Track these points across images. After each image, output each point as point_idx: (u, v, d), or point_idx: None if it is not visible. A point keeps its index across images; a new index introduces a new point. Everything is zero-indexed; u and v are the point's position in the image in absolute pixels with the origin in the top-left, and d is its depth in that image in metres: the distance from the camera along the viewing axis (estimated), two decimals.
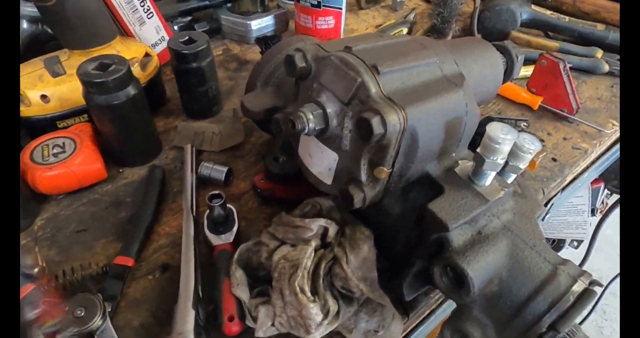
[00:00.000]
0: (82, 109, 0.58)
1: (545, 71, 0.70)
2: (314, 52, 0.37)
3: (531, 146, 0.39)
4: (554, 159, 0.64)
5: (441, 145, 0.37)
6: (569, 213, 1.36)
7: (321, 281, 0.40)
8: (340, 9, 0.79)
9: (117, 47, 0.60)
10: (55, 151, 0.54)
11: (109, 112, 0.52)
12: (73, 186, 0.54)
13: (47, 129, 0.58)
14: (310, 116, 0.35)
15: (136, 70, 0.61)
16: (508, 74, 0.54)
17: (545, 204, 0.65)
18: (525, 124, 0.70)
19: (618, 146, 0.73)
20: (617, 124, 0.70)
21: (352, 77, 0.34)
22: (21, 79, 0.56)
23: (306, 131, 0.35)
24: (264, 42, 0.76)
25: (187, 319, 0.40)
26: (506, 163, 0.41)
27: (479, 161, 0.36)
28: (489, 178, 0.38)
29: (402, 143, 0.34)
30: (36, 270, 0.45)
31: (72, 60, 0.58)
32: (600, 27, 0.84)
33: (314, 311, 0.38)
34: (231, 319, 0.42)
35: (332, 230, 0.42)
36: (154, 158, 0.61)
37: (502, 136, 0.34)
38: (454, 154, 0.40)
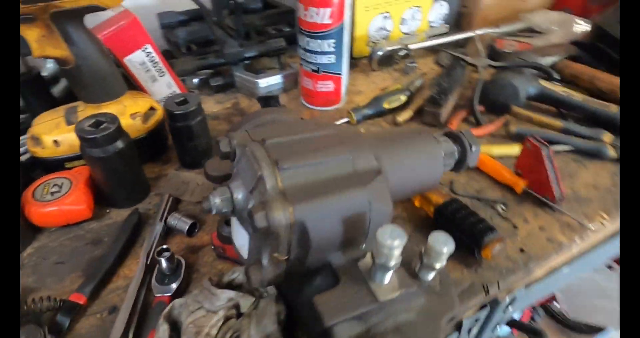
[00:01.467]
0: None
1: (530, 154, 0.68)
2: (241, 139, 0.42)
3: (444, 248, 0.40)
4: (522, 250, 0.61)
5: (341, 238, 0.39)
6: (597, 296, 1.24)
7: None
8: (340, 74, 0.83)
9: (125, 102, 0.69)
10: (53, 190, 0.62)
11: (99, 163, 0.60)
12: (61, 222, 0.62)
13: (57, 168, 0.67)
14: (217, 200, 0.39)
15: (137, 122, 0.69)
16: (460, 164, 0.54)
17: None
18: (503, 207, 0.68)
19: (610, 242, 0.68)
20: (607, 217, 0.65)
21: (255, 170, 0.37)
22: (42, 125, 0.67)
23: (213, 212, 0.39)
24: (264, 100, 0.83)
25: None
26: (423, 261, 0.42)
27: (373, 262, 0.37)
28: (387, 276, 0.39)
29: (294, 234, 0.37)
30: None
31: (86, 111, 0.68)
32: (613, 108, 0.80)
33: None
34: None
35: (244, 302, 0.44)
36: (139, 202, 0.68)
37: (390, 242, 0.35)
38: (363, 246, 0.42)
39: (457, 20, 1.15)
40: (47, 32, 0.58)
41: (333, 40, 0.77)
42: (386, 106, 0.85)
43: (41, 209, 0.60)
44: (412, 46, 1.01)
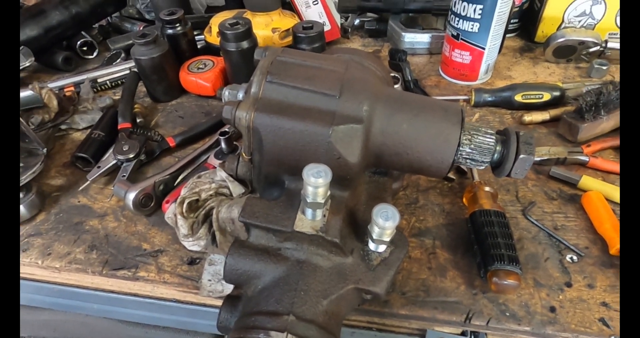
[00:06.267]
0: None
1: None
2: (273, 52, 0.47)
3: (385, 223, 0.38)
4: (552, 309, 0.48)
5: (294, 163, 0.42)
6: None
7: (202, 211, 0.53)
8: (482, 48, 0.74)
9: (273, 17, 0.82)
10: (200, 66, 0.82)
11: (226, 54, 0.76)
12: (194, 91, 0.83)
13: (215, 52, 0.87)
14: (227, 93, 0.46)
15: (275, 36, 0.81)
16: (498, 168, 0.45)
17: None
18: (573, 258, 0.53)
19: None
20: None
21: (252, 75, 0.43)
22: (217, 18, 0.86)
23: (223, 100, 0.47)
24: (393, 53, 0.82)
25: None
26: (369, 230, 0.41)
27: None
28: (316, 214, 0.40)
29: (254, 140, 0.42)
30: (139, 119, 0.76)
31: (248, 15, 0.84)
32: None
33: (180, 222, 0.53)
34: (166, 202, 0.61)
35: (232, 186, 0.53)
36: None
37: (313, 180, 0.36)
38: None
39: None
40: None
41: (481, 6, 0.68)
42: (518, 98, 0.72)
43: (186, 77, 0.81)
44: (612, 44, 0.78)
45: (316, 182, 0.36)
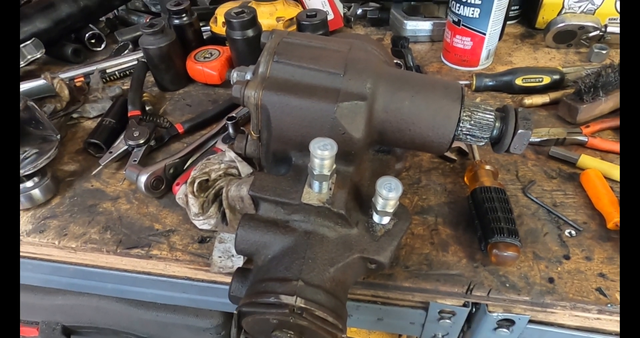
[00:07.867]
0: None
1: None
2: (279, 35, 0.48)
3: (389, 193, 0.40)
4: (551, 281, 0.50)
5: (300, 139, 0.44)
6: None
7: (212, 191, 0.55)
8: (483, 34, 0.75)
9: (277, 6, 0.83)
10: (206, 55, 0.84)
11: (231, 42, 0.77)
12: (201, 80, 0.85)
13: (221, 42, 0.89)
14: (235, 74, 0.48)
15: (279, 25, 0.83)
16: (497, 143, 0.47)
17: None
18: (571, 232, 0.55)
19: None
20: None
21: (260, 56, 0.45)
22: (222, 9, 0.88)
23: (232, 82, 0.49)
24: (396, 40, 0.84)
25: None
26: (373, 202, 0.43)
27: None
28: (322, 187, 0.42)
29: (262, 117, 0.44)
30: (148, 108, 0.78)
31: (253, 5, 0.86)
32: None
33: (191, 201, 0.55)
34: (177, 184, 0.63)
35: (241, 166, 0.55)
36: None
37: (320, 152, 0.38)
38: None
39: None
40: None
41: None
42: (519, 82, 0.73)
43: (193, 66, 0.83)
44: (612, 29, 0.79)
45: (322, 154, 0.38)
